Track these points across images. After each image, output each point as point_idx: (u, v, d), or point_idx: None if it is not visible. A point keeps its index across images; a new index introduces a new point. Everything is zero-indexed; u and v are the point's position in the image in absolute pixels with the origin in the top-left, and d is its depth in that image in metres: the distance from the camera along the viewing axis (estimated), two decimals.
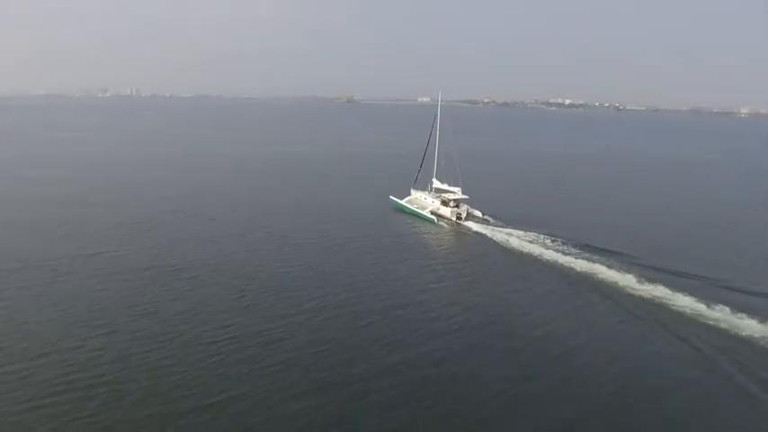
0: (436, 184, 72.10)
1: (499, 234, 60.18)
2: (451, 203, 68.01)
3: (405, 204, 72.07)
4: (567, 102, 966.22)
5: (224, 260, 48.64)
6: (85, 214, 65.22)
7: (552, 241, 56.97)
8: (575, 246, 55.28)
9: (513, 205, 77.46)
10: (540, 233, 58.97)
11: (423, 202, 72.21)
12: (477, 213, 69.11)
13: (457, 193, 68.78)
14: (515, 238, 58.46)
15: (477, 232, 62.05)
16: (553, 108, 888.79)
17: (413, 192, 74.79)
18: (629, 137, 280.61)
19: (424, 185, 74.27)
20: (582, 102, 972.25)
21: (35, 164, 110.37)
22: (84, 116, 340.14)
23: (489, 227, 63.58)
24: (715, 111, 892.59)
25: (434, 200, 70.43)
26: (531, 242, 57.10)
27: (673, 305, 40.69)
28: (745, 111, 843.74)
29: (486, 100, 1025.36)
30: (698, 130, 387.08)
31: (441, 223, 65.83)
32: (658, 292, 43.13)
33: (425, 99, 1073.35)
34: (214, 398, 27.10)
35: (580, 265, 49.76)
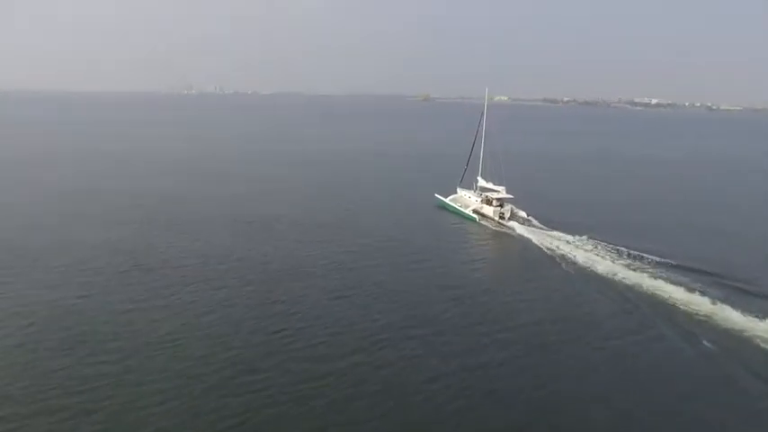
0: (481, 182, 71.33)
1: (542, 236, 58.12)
2: (494, 202, 67.07)
3: (448, 202, 71.90)
4: (654, 101, 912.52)
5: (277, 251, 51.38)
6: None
7: (605, 249, 53.25)
8: (633, 257, 51.00)
9: (567, 208, 73.68)
10: (589, 238, 55.87)
11: (466, 200, 71.70)
12: (522, 214, 67.69)
13: (501, 192, 67.69)
14: (559, 242, 55.98)
15: (519, 234, 60.40)
16: (639, 108, 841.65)
17: (458, 190, 74.45)
18: (722, 138, 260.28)
19: (470, 184, 73.72)
20: (670, 101, 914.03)
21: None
22: (202, 113, 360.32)
23: (532, 228, 61.93)
24: None
25: (478, 199, 69.77)
26: (576, 247, 54.09)
27: None
28: None
29: (565, 99, 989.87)
30: None
31: (482, 222, 65.18)
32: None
33: (503, 98, 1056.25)
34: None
35: (636, 280, 45.02)
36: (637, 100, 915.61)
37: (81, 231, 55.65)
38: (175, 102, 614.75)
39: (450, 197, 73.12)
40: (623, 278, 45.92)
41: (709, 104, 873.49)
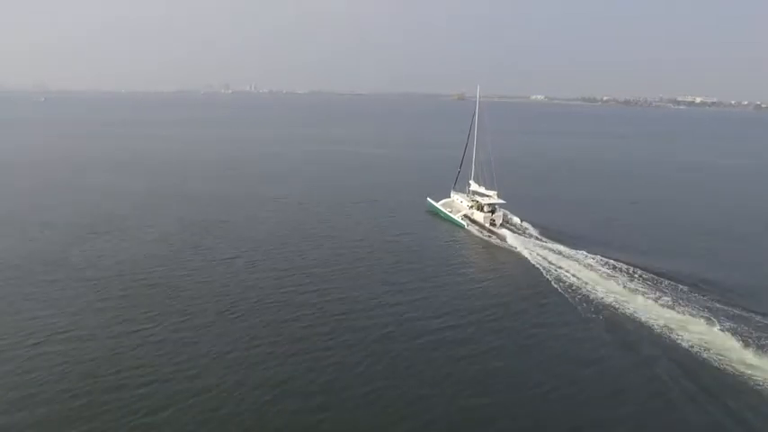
0: (473, 186, 67.30)
1: (533, 247, 53.23)
2: (485, 208, 63.20)
3: (438, 207, 68.26)
4: (698, 100, 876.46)
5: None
6: None
7: (604, 264, 47.63)
8: (639, 276, 45.09)
9: (571, 218, 67.58)
10: (588, 252, 50.18)
11: (458, 205, 67.94)
12: (516, 220, 63.62)
13: (492, 197, 63.76)
14: (554, 255, 50.67)
15: (508, 244, 55.40)
16: (682, 107, 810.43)
17: (452, 194, 70.66)
18: None
19: (465, 188, 69.97)
20: (715, 99, 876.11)
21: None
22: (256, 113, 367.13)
23: (525, 237, 57.27)
24: None
25: (471, 203, 66.09)
26: (575, 262, 48.38)
27: None
28: None
29: (605, 98, 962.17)
30: None
31: (470, 229, 61.24)
32: None
33: (539, 97, 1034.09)
34: None
35: (641, 305, 39.35)
36: (680, 99, 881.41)
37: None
38: (220, 100, 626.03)
39: (442, 201, 69.43)
40: (621, 300, 40.09)
41: (759, 103, 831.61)
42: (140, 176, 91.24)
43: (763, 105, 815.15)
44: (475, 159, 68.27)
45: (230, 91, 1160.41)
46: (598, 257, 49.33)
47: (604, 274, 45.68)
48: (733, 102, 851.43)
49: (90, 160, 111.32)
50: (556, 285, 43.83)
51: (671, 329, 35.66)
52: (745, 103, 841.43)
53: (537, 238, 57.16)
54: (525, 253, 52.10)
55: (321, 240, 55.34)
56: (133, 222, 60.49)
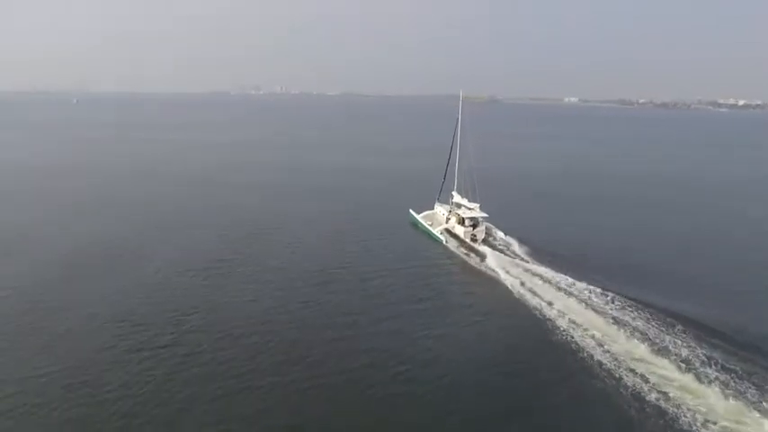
0: (456, 198, 62.21)
1: (515, 270, 47.74)
2: (467, 222, 58.26)
3: (419, 220, 63.68)
4: (741, 102, 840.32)
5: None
6: None
7: (600, 296, 41.55)
8: (640, 313, 38.67)
9: (563, 237, 60.85)
10: (575, 278, 44.25)
11: (440, 218, 63.18)
12: (500, 234, 58.56)
13: (474, 209, 58.77)
14: (537, 280, 45.09)
15: (487, 264, 49.88)
16: (723, 109, 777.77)
17: (436, 206, 65.85)
18: None
19: (449, 199, 65.06)
20: (759, 102, 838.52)
21: None
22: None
23: (507, 256, 51.99)
24: None
25: (452, 216, 61.29)
26: (558, 290, 42.68)
27: None
28: None
29: (641, 100, 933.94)
30: None
31: (449, 245, 56.55)
32: None
33: (572, 99, 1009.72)
34: None
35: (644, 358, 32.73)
36: (721, 101, 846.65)
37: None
38: (245, 102, 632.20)
39: (424, 214, 64.59)
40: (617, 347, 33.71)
41: None
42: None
43: None
44: (458, 169, 63.41)
45: (261, 92, 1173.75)
46: (584, 284, 43.66)
47: (588, 307, 40.08)
48: None
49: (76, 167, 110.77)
50: (533, 321, 38.51)
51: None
52: None
53: (520, 258, 51.76)
54: (503, 277, 46.62)
55: (290, 248, 52.94)
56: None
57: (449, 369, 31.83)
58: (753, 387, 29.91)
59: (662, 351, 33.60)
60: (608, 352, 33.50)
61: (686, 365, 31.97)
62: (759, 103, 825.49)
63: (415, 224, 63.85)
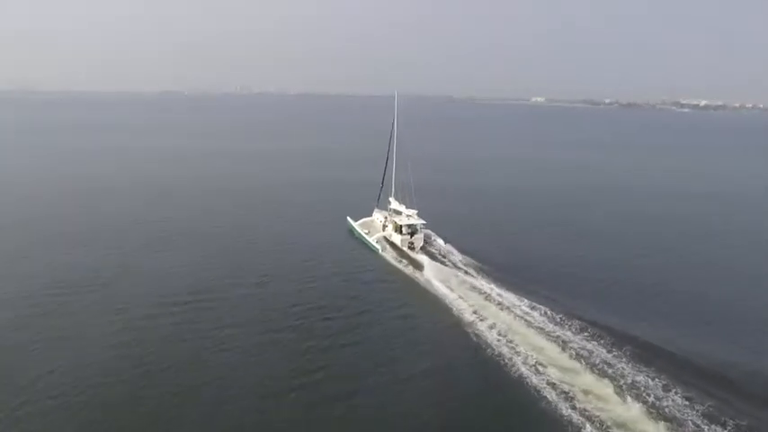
0: (393, 204, 58.97)
1: (452, 281, 44.54)
2: (404, 229, 54.94)
3: (355, 227, 60.29)
4: (703, 102, 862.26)
5: None
6: None
7: (533, 307, 38.85)
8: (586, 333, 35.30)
9: (509, 245, 57.61)
10: (522, 297, 40.70)
11: (377, 225, 59.80)
12: (440, 242, 55.40)
13: (412, 216, 55.61)
14: (474, 294, 41.89)
15: (424, 276, 46.38)
16: (685, 110, 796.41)
17: (375, 213, 62.31)
18: None
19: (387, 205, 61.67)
20: (721, 102, 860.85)
21: None
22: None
23: (446, 266, 48.72)
24: None
25: (390, 224, 57.98)
26: (498, 306, 39.37)
27: None
28: None
29: (607, 101, 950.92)
30: None
31: (385, 254, 53.15)
32: None
33: (539, 99, 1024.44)
34: None
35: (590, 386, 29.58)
36: (683, 101, 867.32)
37: None
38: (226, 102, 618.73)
39: (361, 221, 60.93)
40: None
41: (762, 106, 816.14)
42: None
43: None
44: (395, 174, 60.18)
45: (258, 92, 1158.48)
46: (519, 297, 40.95)
47: (522, 320, 37.49)
48: (737, 104, 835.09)
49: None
50: (468, 335, 35.80)
51: None
52: (750, 105, 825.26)
53: (460, 268, 48.63)
54: (440, 289, 43.39)
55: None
56: None
57: (376, 384, 29.50)
58: (679, 398, 28.53)
59: (595, 366, 31.48)
60: (539, 365, 31.34)
61: (610, 375, 30.50)
62: (720, 104, 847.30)
63: (353, 232, 60.37)
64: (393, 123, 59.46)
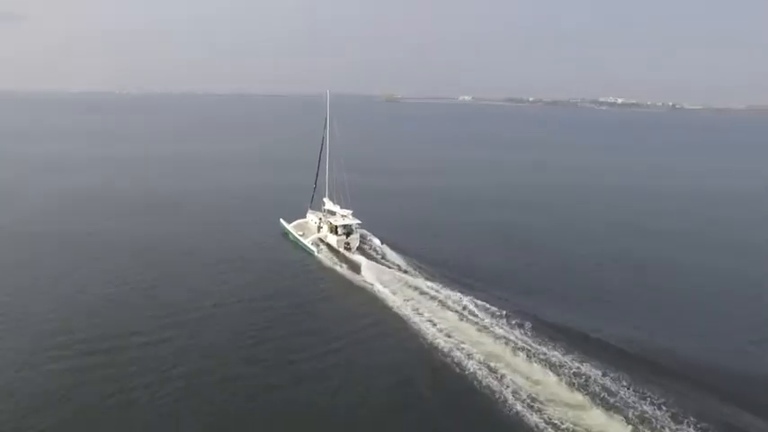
0: (327, 205, 58.08)
1: (391, 278, 44.80)
2: (340, 230, 54.07)
3: (289, 230, 58.76)
4: (620, 101, 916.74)
5: None
6: None
7: (474, 305, 38.94)
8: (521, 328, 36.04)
9: (444, 242, 58.65)
10: (459, 292, 40.91)
11: (312, 227, 58.63)
12: (376, 242, 54.98)
13: (347, 216, 54.87)
14: (410, 291, 42.05)
15: (362, 275, 46.11)
16: (603, 107, 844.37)
17: (308, 214, 61.00)
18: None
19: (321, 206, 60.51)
20: (634, 101, 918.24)
21: None
22: None
23: (381, 266, 48.47)
24: None
25: (325, 225, 56.85)
26: (433, 299, 40.21)
27: None
28: None
29: (531, 99, 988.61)
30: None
31: (321, 256, 52.12)
32: None
33: (466, 97, 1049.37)
34: None
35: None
36: (601, 99, 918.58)
37: None
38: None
39: (295, 223, 59.44)
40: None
41: (671, 103, 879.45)
42: None
43: (676, 106, 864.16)
44: (329, 173, 59.17)
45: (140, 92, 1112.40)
46: (458, 294, 41.05)
47: (462, 318, 37.76)
48: (648, 102, 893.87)
49: None
50: (409, 334, 35.64)
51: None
52: (659, 104, 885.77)
53: (397, 267, 48.53)
54: (378, 289, 43.08)
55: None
56: None
57: (316, 390, 28.84)
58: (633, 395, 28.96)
59: (533, 357, 32.49)
60: (481, 362, 31.66)
61: (557, 371, 30.97)
62: (634, 101, 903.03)
63: (287, 235, 58.76)
64: (326, 123, 58.33)
